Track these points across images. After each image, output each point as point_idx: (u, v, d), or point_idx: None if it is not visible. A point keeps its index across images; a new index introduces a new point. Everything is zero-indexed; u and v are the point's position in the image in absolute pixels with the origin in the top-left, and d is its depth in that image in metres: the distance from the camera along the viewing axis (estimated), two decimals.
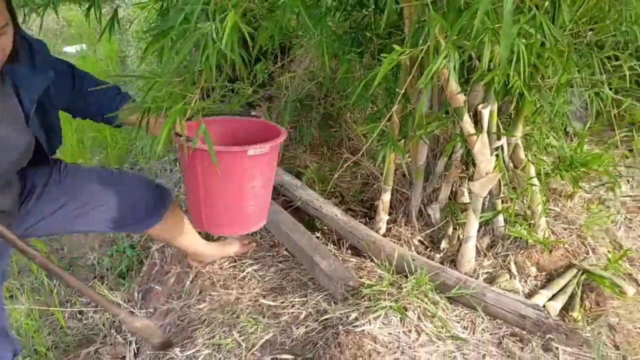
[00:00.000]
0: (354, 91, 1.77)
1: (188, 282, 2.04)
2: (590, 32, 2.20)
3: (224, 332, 1.70)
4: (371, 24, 2.13)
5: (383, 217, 2.14)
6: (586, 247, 2.01)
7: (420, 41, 1.29)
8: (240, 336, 1.66)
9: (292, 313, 1.73)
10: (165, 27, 1.33)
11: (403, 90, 1.75)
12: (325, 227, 2.23)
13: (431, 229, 2.13)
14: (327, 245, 2.09)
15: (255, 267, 2.02)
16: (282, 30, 2.35)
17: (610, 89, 2.53)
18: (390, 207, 2.19)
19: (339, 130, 2.72)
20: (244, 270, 1.99)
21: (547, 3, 1.33)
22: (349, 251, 2.08)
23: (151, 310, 2.14)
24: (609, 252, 1.99)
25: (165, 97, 1.35)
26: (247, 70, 2.61)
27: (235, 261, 2.07)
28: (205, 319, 1.81)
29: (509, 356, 1.53)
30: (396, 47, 1.23)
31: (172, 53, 1.52)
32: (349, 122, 2.75)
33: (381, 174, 2.16)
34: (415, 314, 1.62)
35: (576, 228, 2.07)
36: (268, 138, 1.61)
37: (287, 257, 2.07)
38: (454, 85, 1.70)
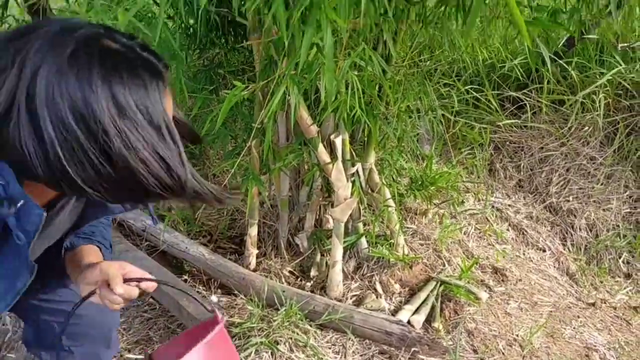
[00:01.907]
0: (209, 128, 1.76)
1: None
2: (429, 62, 2.41)
3: None
4: (223, 61, 2.15)
5: (252, 252, 2.13)
6: (442, 259, 2.15)
7: (266, 76, 1.32)
8: None
9: None
10: None
11: (260, 125, 1.77)
12: (194, 269, 2.16)
13: (300, 258, 2.16)
14: (195, 287, 2.02)
15: None
16: None
17: (452, 112, 2.78)
18: (259, 240, 2.19)
19: (202, 168, 2.68)
20: None
21: (379, 37, 1.43)
22: (219, 290, 2.03)
23: None
24: (462, 262, 2.15)
25: None
26: None
27: None
28: None
29: None
30: (237, 83, 1.25)
31: None
32: (213, 159, 2.73)
33: None
34: (286, 346, 1.61)
35: (432, 243, 2.22)
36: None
37: (153, 305, 1.97)
38: (306, 117, 1.76)
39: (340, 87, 1.34)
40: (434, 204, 2.45)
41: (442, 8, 1.57)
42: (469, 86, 2.83)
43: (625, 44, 2.93)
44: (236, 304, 1.91)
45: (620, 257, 2.48)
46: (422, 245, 2.20)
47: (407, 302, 1.93)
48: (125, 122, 0.68)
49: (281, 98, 1.24)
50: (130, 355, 1.72)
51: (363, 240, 2.09)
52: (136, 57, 0.72)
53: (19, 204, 0.74)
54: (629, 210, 2.66)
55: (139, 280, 0.91)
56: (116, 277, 0.91)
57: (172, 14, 2.11)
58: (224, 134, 2.11)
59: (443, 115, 2.90)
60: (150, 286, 0.94)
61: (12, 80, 0.67)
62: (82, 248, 1.10)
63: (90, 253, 1.09)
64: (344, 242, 1.99)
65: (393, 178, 2.25)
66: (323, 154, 1.84)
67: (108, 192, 0.72)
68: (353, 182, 1.97)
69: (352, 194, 1.93)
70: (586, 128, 2.93)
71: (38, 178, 0.70)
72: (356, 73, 1.32)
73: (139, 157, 0.70)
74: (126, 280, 0.92)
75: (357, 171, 2.01)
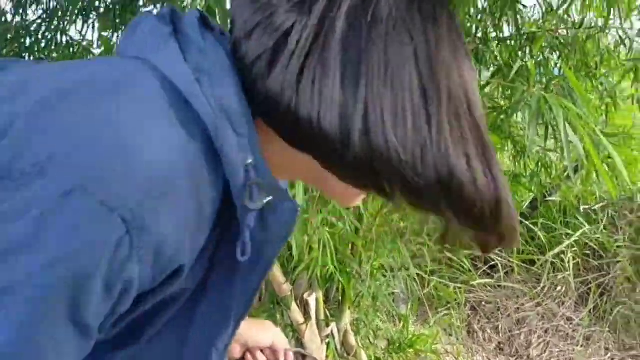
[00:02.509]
0: None
1: None
2: (402, 222, 2.47)
3: None
4: None
5: None
6: None
7: None
8: None
9: None
10: None
11: None
12: None
13: None
14: None
15: None
16: None
17: (426, 271, 2.79)
18: None
19: None
20: None
21: None
22: None
23: None
24: None
25: None
26: None
27: None
28: None
29: None
30: None
31: None
32: None
33: None
34: None
35: None
36: None
37: None
38: (278, 275, 1.73)
39: (313, 243, 1.34)
40: None
41: None
42: (438, 248, 2.87)
43: (587, 206, 3.08)
44: None
45: None
46: None
47: None
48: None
49: None
50: None
51: None
52: None
53: (267, 199, 0.49)
54: None
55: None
56: (284, 348, 0.83)
57: None
58: None
59: (417, 274, 2.90)
60: None
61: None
62: None
63: None
64: None
65: (370, 340, 2.16)
66: (296, 313, 1.78)
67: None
68: (328, 344, 1.88)
69: (327, 357, 1.83)
70: (559, 288, 2.94)
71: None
72: (328, 230, 1.34)
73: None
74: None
75: (331, 332, 1.93)
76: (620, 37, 1.62)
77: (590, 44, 1.75)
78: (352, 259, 1.85)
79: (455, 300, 2.82)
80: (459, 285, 2.84)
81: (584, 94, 1.11)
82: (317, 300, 1.84)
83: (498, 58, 1.95)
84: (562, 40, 1.73)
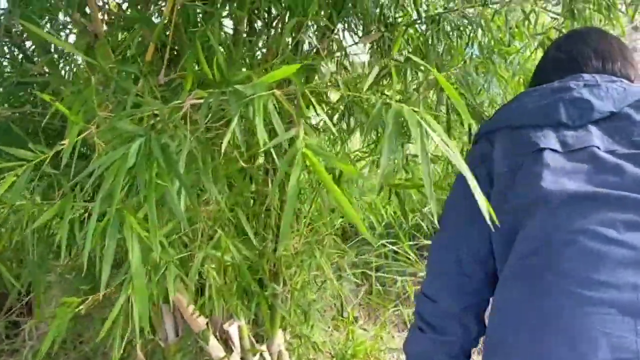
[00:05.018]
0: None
1: None
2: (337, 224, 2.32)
3: None
4: None
5: None
6: None
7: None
8: None
9: None
10: None
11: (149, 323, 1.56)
12: None
13: None
14: None
15: None
16: None
17: (372, 268, 2.68)
18: None
19: None
20: None
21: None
22: None
23: None
24: None
25: None
26: None
27: None
28: None
29: None
30: (68, 300, 1.07)
31: None
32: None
33: None
34: None
35: None
36: None
37: None
38: (188, 308, 1.58)
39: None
40: None
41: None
42: (384, 240, 2.76)
43: None
44: None
45: None
46: None
47: None
48: None
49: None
50: None
51: None
52: None
53: None
54: None
55: None
56: None
57: None
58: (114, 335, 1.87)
59: (363, 272, 2.79)
60: None
61: None
62: None
63: None
64: None
65: (309, 357, 2.02)
66: (215, 348, 1.62)
67: None
68: None
69: None
70: None
71: None
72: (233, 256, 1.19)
73: None
74: None
75: (263, 358, 1.78)
76: (524, 11, 1.49)
77: (498, 20, 1.63)
78: (274, 279, 1.70)
79: (404, 293, 2.73)
80: (407, 278, 2.74)
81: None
82: (239, 329, 1.69)
83: (409, 42, 1.81)
84: (470, 20, 1.59)
